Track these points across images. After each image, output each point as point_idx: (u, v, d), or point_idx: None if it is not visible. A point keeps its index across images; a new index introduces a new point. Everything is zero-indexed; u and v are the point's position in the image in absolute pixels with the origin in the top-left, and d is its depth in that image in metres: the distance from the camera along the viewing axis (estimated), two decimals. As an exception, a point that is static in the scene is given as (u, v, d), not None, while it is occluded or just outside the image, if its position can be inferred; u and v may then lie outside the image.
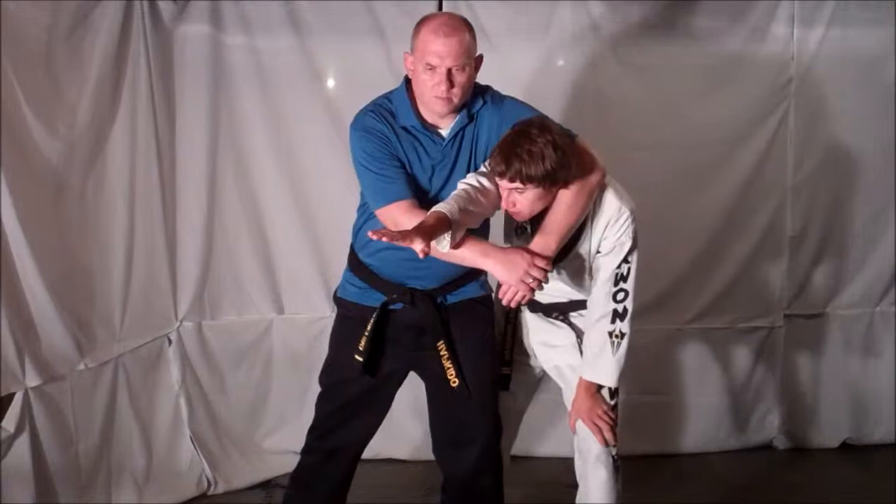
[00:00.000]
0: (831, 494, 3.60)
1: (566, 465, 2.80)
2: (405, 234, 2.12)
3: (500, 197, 2.43)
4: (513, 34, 3.53)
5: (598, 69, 3.62)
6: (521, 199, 2.36)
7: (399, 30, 3.42)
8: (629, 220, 2.46)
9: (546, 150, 2.28)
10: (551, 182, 2.33)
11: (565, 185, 2.37)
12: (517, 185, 2.32)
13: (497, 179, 2.36)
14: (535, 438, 3.63)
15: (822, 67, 3.71)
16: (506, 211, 2.61)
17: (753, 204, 3.78)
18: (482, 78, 2.51)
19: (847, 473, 3.80)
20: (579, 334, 2.63)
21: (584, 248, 2.52)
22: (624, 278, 2.48)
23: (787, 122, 3.74)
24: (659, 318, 3.76)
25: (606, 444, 2.58)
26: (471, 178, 2.40)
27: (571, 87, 3.61)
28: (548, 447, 3.74)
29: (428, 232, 2.16)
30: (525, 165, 2.28)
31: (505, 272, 2.35)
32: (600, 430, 2.56)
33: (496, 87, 2.58)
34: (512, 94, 2.59)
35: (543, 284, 2.38)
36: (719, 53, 3.68)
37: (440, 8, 3.48)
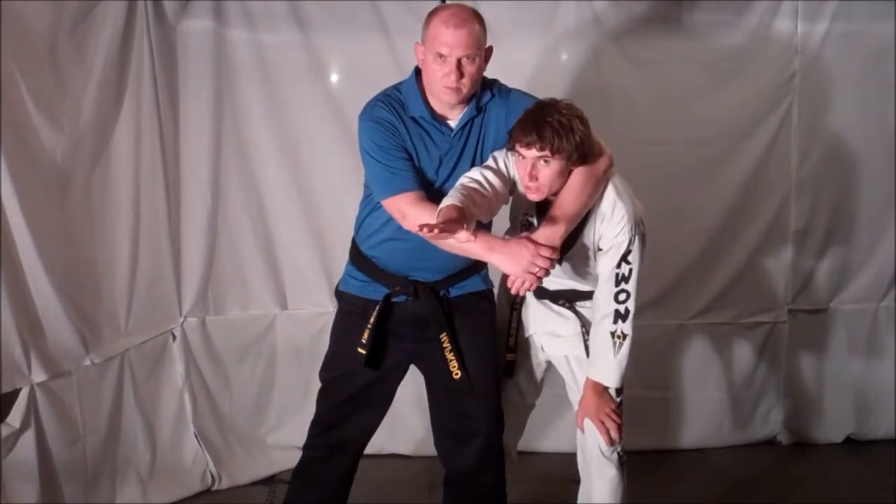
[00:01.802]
0: (835, 490, 3.60)
1: (569, 460, 2.80)
2: (448, 225, 2.13)
3: (504, 194, 2.44)
4: (516, 29, 3.52)
5: (601, 64, 3.62)
6: (545, 171, 2.36)
7: (402, 24, 3.43)
8: (624, 219, 2.45)
9: (574, 123, 2.32)
10: (578, 156, 2.35)
11: (583, 162, 2.38)
12: (545, 153, 2.32)
13: (522, 151, 2.35)
14: (537, 434, 3.62)
15: (826, 62, 3.71)
16: (511, 206, 2.62)
17: (757, 199, 3.78)
18: (486, 73, 2.51)
19: (851, 468, 3.80)
20: (585, 324, 2.63)
21: (587, 239, 2.52)
22: (625, 279, 2.48)
23: (791, 117, 3.74)
24: (662, 314, 3.77)
25: (612, 442, 2.59)
26: (475, 174, 2.40)
27: (575, 82, 3.60)
28: (550, 442, 3.74)
29: (459, 220, 2.18)
30: (556, 134, 2.30)
31: (510, 264, 2.35)
32: (607, 430, 2.57)
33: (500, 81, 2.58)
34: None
35: (550, 272, 2.38)
36: (723, 48, 3.67)
37: (443, 2, 3.47)
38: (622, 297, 2.48)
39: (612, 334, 2.50)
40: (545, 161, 2.34)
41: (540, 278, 2.36)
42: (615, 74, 3.63)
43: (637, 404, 3.58)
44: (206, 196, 3.57)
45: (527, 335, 2.75)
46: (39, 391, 2.90)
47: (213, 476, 3.57)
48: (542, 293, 2.67)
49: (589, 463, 2.66)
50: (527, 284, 2.36)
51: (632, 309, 2.50)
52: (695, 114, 3.69)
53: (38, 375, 2.89)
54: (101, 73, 3.12)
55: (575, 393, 2.68)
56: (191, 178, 3.54)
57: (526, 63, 3.54)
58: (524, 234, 2.44)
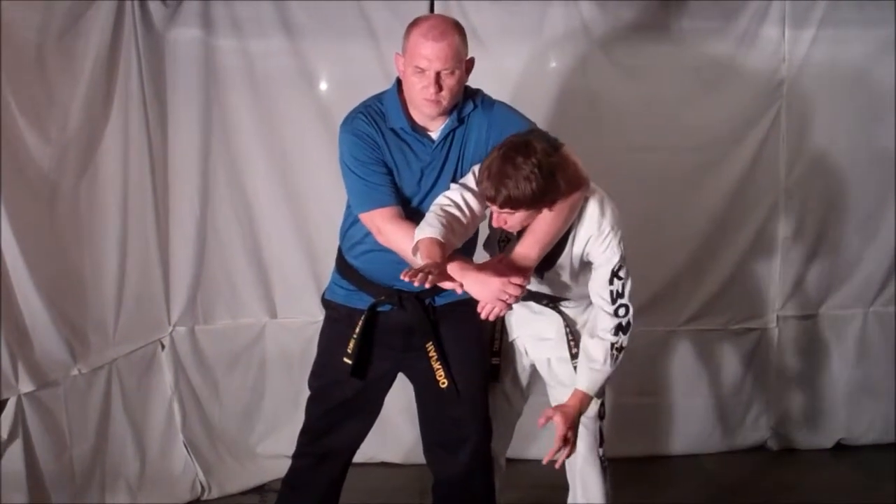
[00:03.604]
0: (825, 495, 3.60)
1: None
2: (437, 275, 2.14)
3: (482, 215, 2.45)
4: (504, 35, 3.52)
5: (589, 70, 3.62)
6: (511, 219, 2.38)
7: (391, 31, 3.42)
8: (610, 235, 2.47)
9: (532, 175, 2.27)
10: (539, 204, 2.34)
11: (552, 203, 2.37)
12: (506, 210, 2.33)
13: (487, 202, 2.37)
14: (528, 441, 3.61)
15: (814, 69, 3.72)
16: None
17: (746, 206, 3.79)
18: (474, 79, 2.50)
19: (841, 474, 3.81)
20: (569, 324, 2.65)
21: (565, 259, 2.53)
22: (620, 294, 2.50)
23: (779, 124, 3.74)
24: (653, 320, 3.75)
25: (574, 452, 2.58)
26: (455, 195, 2.39)
27: (562, 89, 3.61)
28: (540, 450, 3.70)
29: (445, 265, 2.22)
30: (513, 192, 2.28)
31: (480, 292, 2.33)
32: (567, 443, 2.53)
33: (487, 88, 2.58)
34: (503, 96, 2.60)
35: (520, 299, 2.38)
36: (711, 55, 3.68)
37: (432, 8, 3.48)
38: (622, 311, 2.51)
39: (612, 346, 2.53)
40: (508, 213, 2.35)
41: (510, 305, 2.36)
42: (603, 81, 3.63)
43: (628, 410, 3.61)
44: (195, 204, 3.56)
45: (511, 339, 2.76)
46: (27, 401, 2.89)
47: (202, 485, 3.56)
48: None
49: (573, 468, 2.69)
50: (496, 311, 2.35)
51: (631, 321, 2.53)
52: (683, 120, 3.69)
53: (26, 385, 2.88)
54: (90, 80, 3.11)
55: (555, 390, 2.71)
56: (179, 186, 3.53)
57: (513, 69, 3.54)
58: (497, 256, 2.45)
